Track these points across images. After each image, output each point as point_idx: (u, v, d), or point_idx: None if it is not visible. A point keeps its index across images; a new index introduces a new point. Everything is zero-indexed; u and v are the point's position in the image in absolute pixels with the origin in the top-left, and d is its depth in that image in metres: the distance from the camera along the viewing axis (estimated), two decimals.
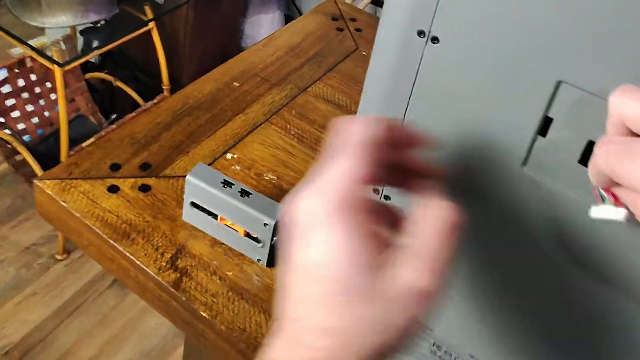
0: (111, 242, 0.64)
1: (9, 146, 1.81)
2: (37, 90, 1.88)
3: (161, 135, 0.77)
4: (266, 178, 0.74)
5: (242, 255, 0.65)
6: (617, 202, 0.33)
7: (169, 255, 0.64)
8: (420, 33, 0.38)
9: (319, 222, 0.32)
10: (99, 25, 1.88)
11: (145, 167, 0.73)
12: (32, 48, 1.58)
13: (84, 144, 1.66)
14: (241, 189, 0.63)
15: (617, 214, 0.33)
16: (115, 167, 0.72)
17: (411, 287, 0.32)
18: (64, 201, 0.67)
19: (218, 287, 0.62)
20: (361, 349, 0.32)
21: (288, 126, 0.82)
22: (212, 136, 0.78)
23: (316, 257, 0.32)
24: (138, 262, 0.63)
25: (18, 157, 1.86)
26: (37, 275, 1.78)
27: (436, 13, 0.37)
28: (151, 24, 1.62)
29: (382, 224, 0.37)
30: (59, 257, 1.81)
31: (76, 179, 0.69)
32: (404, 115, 0.43)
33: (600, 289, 0.39)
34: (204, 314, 0.60)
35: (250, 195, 0.63)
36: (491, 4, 0.35)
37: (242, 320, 0.60)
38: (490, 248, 0.44)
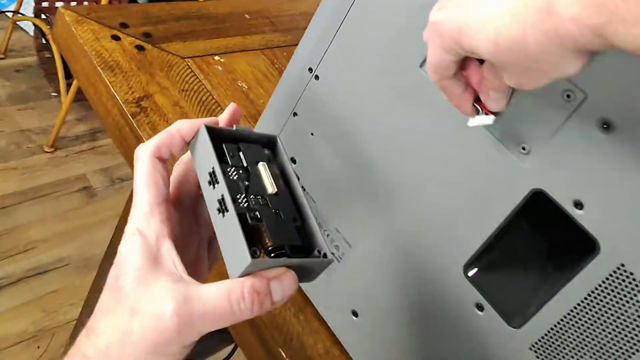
0: (99, 69, 0.72)
1: (44, 41, 1.90)
2: None
3: (169, 22, 0.86)
4: (239, 84, 0.83)
5: None
6: (487, 111, 0.42)
7: (137, 96, 0.72)
8: (310, 69, 0.49)
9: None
10: None
11: (147, 35, 0.81)
12: None
13: None
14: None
15: (488, 120, 0.42)
16: (123, 26, 0.81)
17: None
18: (75, 29, 0.75)
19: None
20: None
21: (275, 61, 0.91)
22: (210, 40, 0.87)
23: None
24: (112, 90, 0.71)
25: (47, 54, 1.94)
26: (22, 155, 1.84)
27: (323, 57, 0.48)
28: None
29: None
30: (46, 148, 1.88)
31: (91, 19, 0.78)
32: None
33: None
34: (144, 139, 0.67)
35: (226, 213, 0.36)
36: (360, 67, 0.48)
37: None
38: None
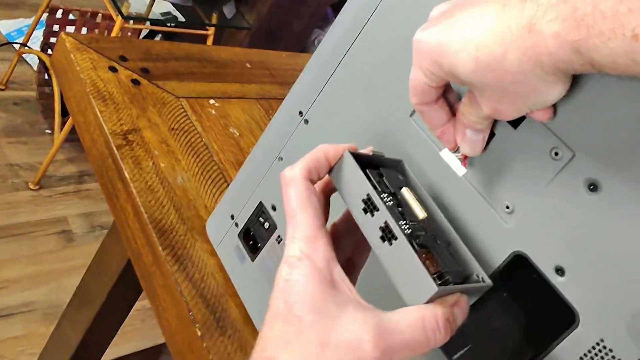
0: (90, 97, 0.73)
1: (46, 77, 1.94)
2: None
3: (169, 62, 0.88)
4: (230, 130, 0.84)
5: (178, 161, 0.74)
6: (464, 163, 0.42)
7: (126, 128, 0.72)
8: (300, 113, 0.51)
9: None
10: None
11: (145, 71, 0.83)
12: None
13: None
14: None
15: (459, 169, 0.42)
16: (123, 59, 0.82)
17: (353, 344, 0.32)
18: (73, 56, 0.77)
19: (149, 167, 0.70)
20: None
21: (270, 112, 0.93)
22: (208, 83, 0.89)
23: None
24: (101, 119, 0.71)
25: (47, 89, 1.97)
26: (5, 189, 1.84)
27: (315, 101, 0.51)
28: (210, 30, 1.77)
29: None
30: (31, 186, 1.88)
31: (91, 48, 0.80)
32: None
33: None
34: (127, 175, 0.67)
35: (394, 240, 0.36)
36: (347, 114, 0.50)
37: (153, 198, 0.67)
38: None
